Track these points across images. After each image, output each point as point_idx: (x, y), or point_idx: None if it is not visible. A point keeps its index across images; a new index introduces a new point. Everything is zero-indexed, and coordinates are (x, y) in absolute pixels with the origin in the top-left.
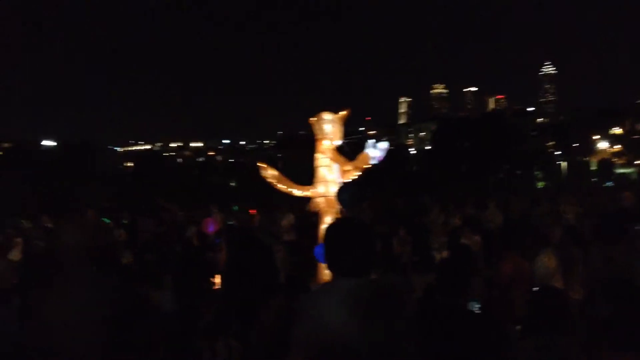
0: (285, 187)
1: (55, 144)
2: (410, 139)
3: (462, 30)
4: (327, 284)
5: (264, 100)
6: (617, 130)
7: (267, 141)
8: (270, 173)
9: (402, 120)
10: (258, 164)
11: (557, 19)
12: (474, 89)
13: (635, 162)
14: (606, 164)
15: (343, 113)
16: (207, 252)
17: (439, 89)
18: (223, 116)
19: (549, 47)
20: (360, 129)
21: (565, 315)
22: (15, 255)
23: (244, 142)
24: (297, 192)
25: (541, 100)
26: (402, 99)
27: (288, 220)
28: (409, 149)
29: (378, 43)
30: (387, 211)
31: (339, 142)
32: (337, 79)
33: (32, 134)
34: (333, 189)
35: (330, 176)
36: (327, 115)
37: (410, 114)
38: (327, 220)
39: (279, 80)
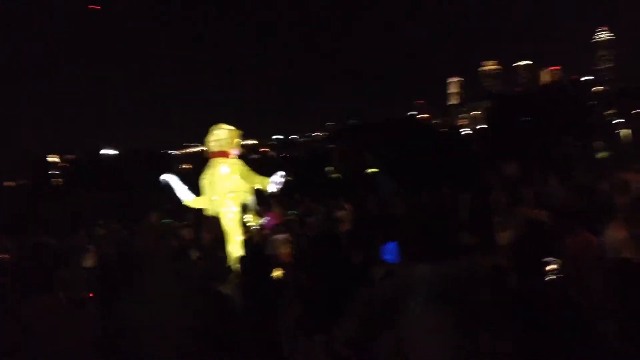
0: None
1: (116, 152)
2: (463, 119)
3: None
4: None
5: (307, 92)
6: None
7: (320, 133)
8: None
9: (453, 101)
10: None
11: None
12: (526, 62)
13: None
14: None
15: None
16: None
17: (489, 66)
18: (269, 112)
19: (602, 12)
20: (411, 112)
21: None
22: (89, 262)
23: (295, 136)
24: None
25: (597, 68)
26: (452, 79)
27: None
28: (462, 130)
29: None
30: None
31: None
32: (381, 67)
33: (90, 144)
34: None
35: None
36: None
37: (462, 93)
38: None
39: (320, 75)
